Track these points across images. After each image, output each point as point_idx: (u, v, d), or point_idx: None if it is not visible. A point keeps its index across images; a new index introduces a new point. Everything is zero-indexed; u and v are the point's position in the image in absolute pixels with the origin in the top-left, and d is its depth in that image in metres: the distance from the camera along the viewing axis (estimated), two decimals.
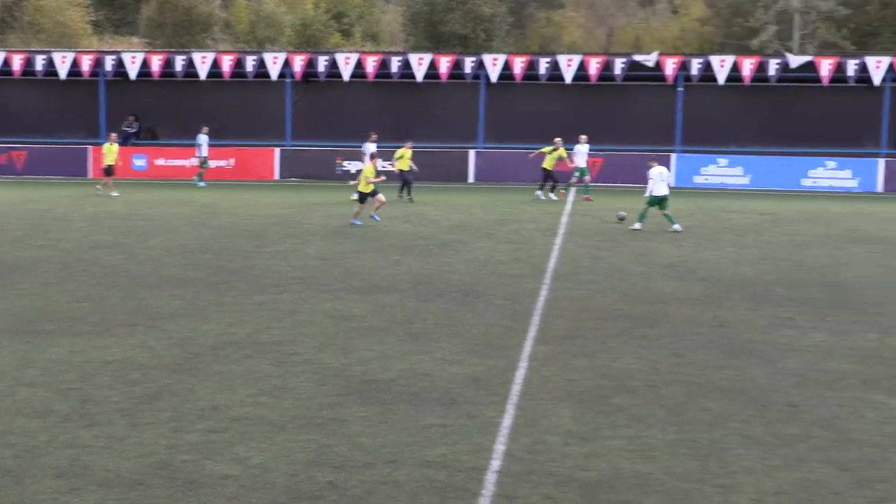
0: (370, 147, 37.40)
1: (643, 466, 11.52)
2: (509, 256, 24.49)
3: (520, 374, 15.02)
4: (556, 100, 44.98)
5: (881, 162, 41.31)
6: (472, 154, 42.72)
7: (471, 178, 42.52)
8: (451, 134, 45.09)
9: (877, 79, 40.87)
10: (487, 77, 42.63)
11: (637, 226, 29.00)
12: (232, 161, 44.15)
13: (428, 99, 45.38)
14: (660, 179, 28.80)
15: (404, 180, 35.37)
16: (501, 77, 42.55)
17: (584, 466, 11.49)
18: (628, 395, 14.06)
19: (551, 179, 37.01)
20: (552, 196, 36.92)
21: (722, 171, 41.82)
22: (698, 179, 42.23)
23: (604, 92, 44.68)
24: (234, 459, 11.51)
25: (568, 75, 41.81)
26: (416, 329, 17.54)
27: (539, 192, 36.94)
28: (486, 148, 43.49)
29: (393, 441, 12.17)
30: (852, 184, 41.22)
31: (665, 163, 41.72)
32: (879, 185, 41.03)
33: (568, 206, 34.48)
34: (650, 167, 29.03)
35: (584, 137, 38.12)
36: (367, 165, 30.18)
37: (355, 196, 30.46)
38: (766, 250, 25.71)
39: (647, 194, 29.18)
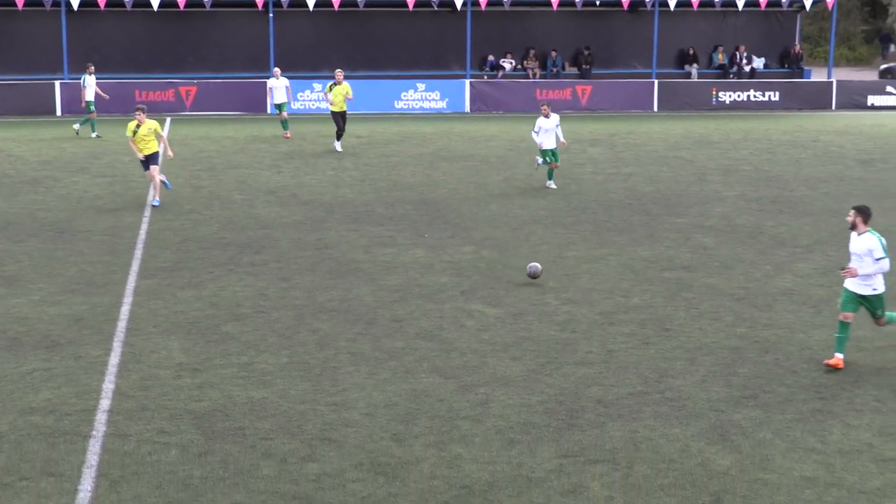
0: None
1: (257, 392, 11.55)
2: (105, 191, 23.64)
3: (125, 310, 14.60)
4: (144, 27, 43.54)
5: (467, 83, 43.15)
6: (58, 86, 40.65)
7: (59, 112, 40.49)
8: (34, 65, 42.66)
9: (458, 3, 42.48)
10: (69, 4, 40.59)
11: (549, 184, 24.36)
12: None
13: (3, 29, 42.63)
14: (544, 130, 23.77)
15: None
16: (84, 4, 40.64)
17: (197, 397, 11.37)
18: (238, 323, 14.02)
19: (342, 123, 30.13)
20: (337, 146, 30.15)
21: (317, 96, 42.21)
22: (295, 105, 42.41)
23: (194, 19, 43.73)
24: None
25: (155, 2, 40.54)
26: (10, 272, 16.61)
27: (337, 144, 30.18)
28: (73, 79, 41.57)
29: None
30: (441, 105, 42.81)
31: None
32: (466, 106, 42.85)
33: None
34: (544, 114, 23.87)
35: (92, 67, 34.46)
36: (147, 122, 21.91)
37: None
38: (364, 172, 26.30)
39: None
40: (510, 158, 28.77)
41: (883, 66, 59.80)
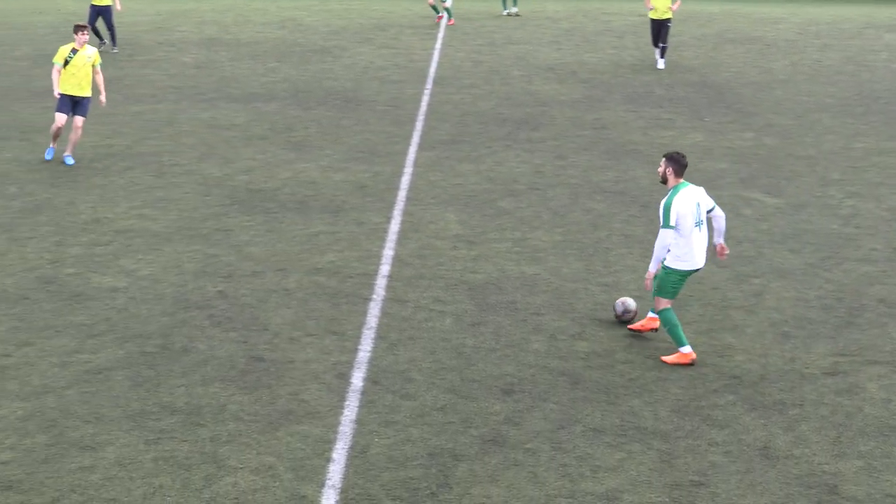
0: None
1: (529, 268, 11.73)
2: (389, 62, 24.16)
3: (405, 179, 15.03)
4: None
5: None
6: None
7: None
8: None
9: None
10: None
11: None
12: None
13: None
14: None
15: None
16: None
17: (472, 269, 11.65)
18: (513, 199, 14.20)
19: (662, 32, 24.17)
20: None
21: None
22: None
23: None
24: (122, 272, 11.39)
25: None
26: (298, 137, 17.34)
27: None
28: None
29: (281, 250, 12.16)
30: None
31: None
32: None
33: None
34: None
35: None
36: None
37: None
38: (644, 52, 25.81)
39: None
40: (798, 42, 27.59)
41: None
